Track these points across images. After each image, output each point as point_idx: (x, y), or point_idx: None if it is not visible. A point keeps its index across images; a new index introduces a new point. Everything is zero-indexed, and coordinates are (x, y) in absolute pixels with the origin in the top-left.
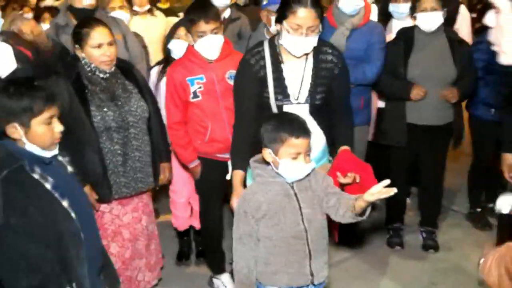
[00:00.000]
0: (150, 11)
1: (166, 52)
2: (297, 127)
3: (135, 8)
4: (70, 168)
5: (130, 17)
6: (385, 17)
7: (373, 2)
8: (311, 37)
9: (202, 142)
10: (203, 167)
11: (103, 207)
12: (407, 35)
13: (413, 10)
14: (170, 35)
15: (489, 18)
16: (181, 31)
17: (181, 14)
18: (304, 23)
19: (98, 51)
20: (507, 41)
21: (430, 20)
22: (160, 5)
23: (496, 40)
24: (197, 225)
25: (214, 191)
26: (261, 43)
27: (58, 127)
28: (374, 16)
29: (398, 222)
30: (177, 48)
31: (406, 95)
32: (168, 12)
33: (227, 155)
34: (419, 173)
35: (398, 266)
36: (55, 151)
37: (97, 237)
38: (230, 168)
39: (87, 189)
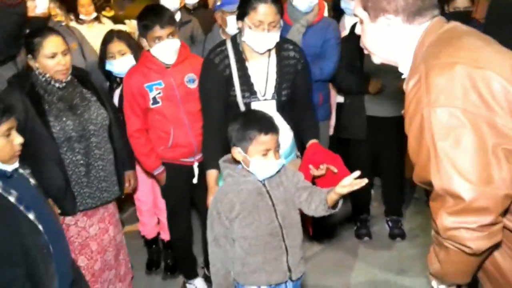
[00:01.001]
0: (97, 19)
1: (106, 74)
2: (265, 124)
3: (82, 17)
4: (32, 181)
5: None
6: (338, 13)
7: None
8: (273, 33)
9: (165, 148)
10: (168, 173)
11: (68, 219)
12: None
13: None
14: (102, 57)
15: (357, 28)
16: (113, 47)
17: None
18: (266, 19)
19: (52, 61)
20: (372, 45)
21: None
22: (104, 13)
23: (364, 44)
24: (165, 236)
25: (181, 196)
26: (223, 42)
27: (18, 139)
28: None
29: (364, 213)
30: (117, 67)
31: (363, 89)
32: (114, 21)
33: (191, 159)
34: (381, 164)
35: (368, 256)
36: (16, 164)
37: (66, 250)
38: (196, 172)
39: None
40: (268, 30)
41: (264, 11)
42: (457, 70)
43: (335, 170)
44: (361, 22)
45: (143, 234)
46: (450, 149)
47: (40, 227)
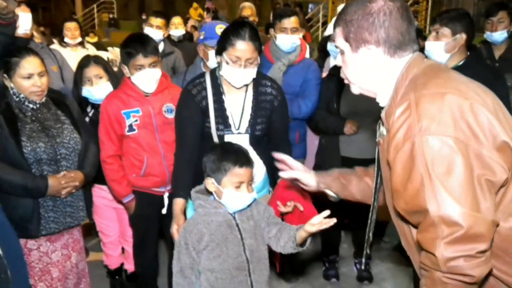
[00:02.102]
0: (81, 43)
1: (79, 100)
2: (241, 157)
3: (66, 40)
4: None
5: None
6: (323, 55)
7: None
8: (249, 69)
9: (137, 175)
10: (138, 201)
11: (31, 244)
12: (340, 71)
13: None
14: (77, 82)
15: (337, 59)
16: (90, 72)
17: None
18: (243, 55)
19: (27, 81)
20: (352, 76)
21: None
22: (88, 39)
23: (344, 75)
24: (129, 267)
25: (149, 226)
26: (202, 75)
27: None
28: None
29: (333, 254)
30: (95, 93)
31: (339, 130)
32: (97, 46)
33: (163, 189)
34: (351, 205)
35: None
36: None
37: (25, 275)
38: (166, 202)
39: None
40: (245, 66)
41: (241, 48)
42: (447, 99)
43: (301, 208)
44: (342, 53)
45: (106, 264)
46: (444, 176)
47: (0, 251)
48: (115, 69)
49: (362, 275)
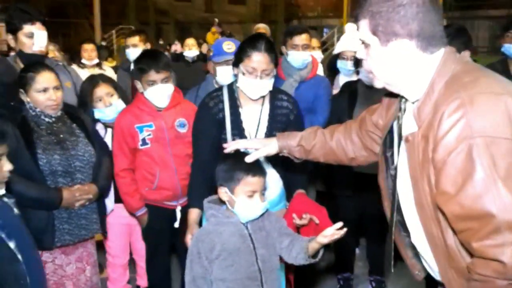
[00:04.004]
0: (98, 65)
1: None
2: (253, 166)
3: (84, 61)
4: (16, 210)
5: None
6: (332, 72)
7: (321, 62)
8: (266, 80)
9: (150, 189)
10: (150, 215)
11: (46, 256)
12: (351, 88)
13: (356, 65)
14: (86, 103)
15: (360, 52)
16: (100, 91)
17: None
18: (259, 66)
19: (43, 95)
20: (378, 69)
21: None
22: (107, 63)
23: (369, 68)
24: (142, 283)
25: (161, 239)
26: (220, 88)
27: (7, 166)
28: (320, 72)
29: (347, 271)
30: (109, 113)
31: None
32: (115, 70)
33: (175, 203)
34: (366, 222)
35: None
36: (2, 190)
37: (44, 284)
38: (178, 215)
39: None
40: (261, 78)
41: (257, 59)
42: (504, 101)
43: (317, 221)
44: (367, 46)
45: None
46: (510, 180)
47: (19, 256)
48: None
49: None
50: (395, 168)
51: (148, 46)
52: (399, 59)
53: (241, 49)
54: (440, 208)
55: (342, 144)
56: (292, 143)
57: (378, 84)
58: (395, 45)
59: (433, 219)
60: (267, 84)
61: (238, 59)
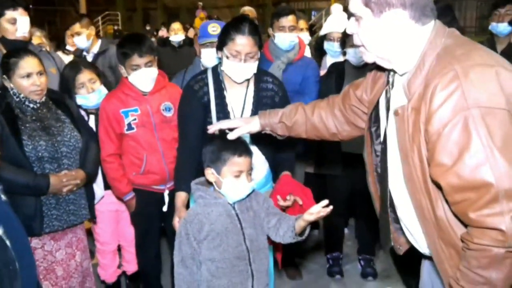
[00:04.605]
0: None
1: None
2: (239, 146)
3: (68, 47)
4: (3, 197)
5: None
6: (319, 54)
7: (308, 44)
8: (250, 63)
9: (137, 173)
10: (138, 199)
11: (35, 242)
12: (339, 69)
13: (343, 46)
14: (69, 89)
15: (350, 27)
16: (83, 77)
17: None
18: (243, 49)
19: (27, 81)
20: (369, 42)
21: (358, 54)
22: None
23: (360, 42)
24: (129, 268)
25: (150, 223)
26: (204, 71)
27: None
28: (307, 54)
29: (337, 251)
30: (92, 100)
31: None
32: None
33: (163, 187)
34: (355, 202)
35: None
36: None
37: (33, 269)
38: (166, 199)
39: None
40: (245, 61)
41: (241, 42)
42: (497, 73)
43: (300, 202)
44: (358, 19)
45: (103, 279)
46: (507, 150)
47: (7, 242)
48: None
49: (366, 272)
50: (384, 142)
51: (93, 29)
52: (392, 30)
53: (224, 32)
54: (434, 180)
55: (324, 119)
56: (274, 120)
57: (368, 59)
58: (388, 15)
59: (423, 191)
60: (252, 67)
61: (222, 43)
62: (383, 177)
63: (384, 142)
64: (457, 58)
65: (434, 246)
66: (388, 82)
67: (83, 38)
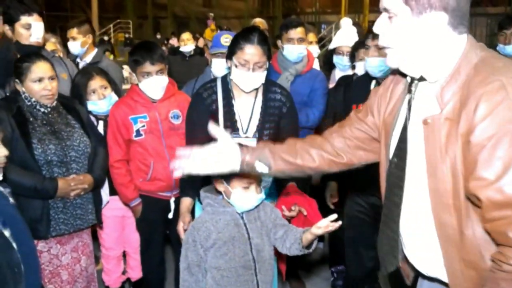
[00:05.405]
0: None
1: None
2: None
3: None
4: (12, 200)
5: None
6: (328, 67)
7: (317, 57)
8: (258, 73)
9: (144, 180)
10: (144, 206)
11: (41, 246)
12: (347, 81)
13: (352, 60)
14: (80, 95)
15: (378, 25)
16: (94, 84)
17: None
18: (251, 59)
19: (38, 85)
20: (400, 42)
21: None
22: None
23: (388, 42)
24: (133, 275)
25: (155, 230)
26: (214, 79)
27: (2, 151)
28: (316, 67)
29: (341, 264)
30: (102, 106)
31: None
32: None
33: (168, 194)
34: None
35: None
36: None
37: (37, 272)
38: (172, 206)
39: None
40: (253, 70)
41: (250, 52)
42: None
43: (305, 213)
44: (391, 17)
45: (107, 285)
46: None
47: (14, 245)
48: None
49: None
50: (401, 154)
51: (90, 37)
52: (429, 33)
53: (234, 42)
54: (471, 194)
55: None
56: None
57: (392, 63)
58: (428, 17)
59: (449, 207)
60: (260, 77)
61: (231, 52)
62: (396, 192)
63: (401, 154)
64: (498, 70)
65: (452, 267)
66: (410, 90)
67: (77, 44)
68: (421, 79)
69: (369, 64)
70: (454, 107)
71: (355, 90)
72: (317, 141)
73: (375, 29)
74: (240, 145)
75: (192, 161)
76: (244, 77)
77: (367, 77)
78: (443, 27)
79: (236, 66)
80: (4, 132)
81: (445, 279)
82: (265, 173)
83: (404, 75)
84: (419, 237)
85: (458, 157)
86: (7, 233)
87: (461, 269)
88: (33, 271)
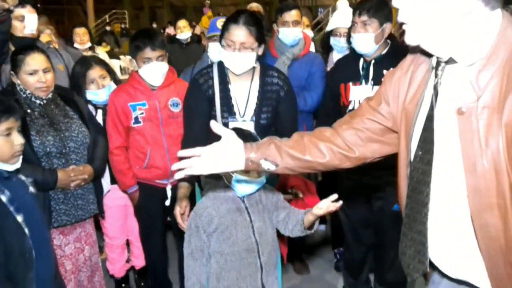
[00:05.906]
0: (91, 49)
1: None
2: (248, 140)
3: (76, 45)
4: (32, 189)
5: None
6: (326, 50)
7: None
8: (245, 53)
9: (140, 167)
10: (141, 193)
11: None
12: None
13: (349, 41)
14: (79, 85)
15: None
16: (94, 73)
17: (122, 57)
18: (237, 39)
19: (32, 77)
20: (427, 20)
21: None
22: (101, 48)
23: (408, 18)
24: (137, 263)
25: (153, 217)
26: (211, 65)
27: (18, 140)
28: (312, 50)
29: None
30: (102, 96)
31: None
32: (110, 55)
33: (165, 182)
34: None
35: None
36: (17, 164)
37: (50, 259)
38: (169, 194)
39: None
40: (239, 50)
41: (235, 32)
42: None
43: (300, 195)
44: None
45: (112, 273)
46: None
47: (26, 230)
48: (127, 76)
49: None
50: (426, 147)
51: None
52: (459, 9)
53: (223, 25)
54: None
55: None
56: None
57: (413, 40)
58: None
59: (492, 206)
60: (248, 58)
61: (221, 35)
62: (422, 189)
63: (424, 147)
64: None
65: (496, 271)
66: (436, 75)
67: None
68: (450, 61)
69: (355, 41)
70: (493, 93)
71: (342, 70)
72: (326, 134)
73: (394, 3)
74: (245, 142)
75: (194, 162)
76: (231, 58)
77: (354, 55)
78: (473, 2)
79: (224, 47)
80: (19, 121)
81: (478, 283)
82: (272, 170)
83: (427, 54)
84: (450, 239)
85: (502, 150)
86: (20, 218)
87: (508, 272)
88: (45, 260)
